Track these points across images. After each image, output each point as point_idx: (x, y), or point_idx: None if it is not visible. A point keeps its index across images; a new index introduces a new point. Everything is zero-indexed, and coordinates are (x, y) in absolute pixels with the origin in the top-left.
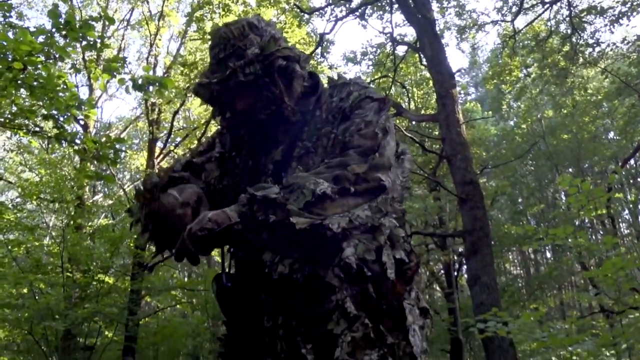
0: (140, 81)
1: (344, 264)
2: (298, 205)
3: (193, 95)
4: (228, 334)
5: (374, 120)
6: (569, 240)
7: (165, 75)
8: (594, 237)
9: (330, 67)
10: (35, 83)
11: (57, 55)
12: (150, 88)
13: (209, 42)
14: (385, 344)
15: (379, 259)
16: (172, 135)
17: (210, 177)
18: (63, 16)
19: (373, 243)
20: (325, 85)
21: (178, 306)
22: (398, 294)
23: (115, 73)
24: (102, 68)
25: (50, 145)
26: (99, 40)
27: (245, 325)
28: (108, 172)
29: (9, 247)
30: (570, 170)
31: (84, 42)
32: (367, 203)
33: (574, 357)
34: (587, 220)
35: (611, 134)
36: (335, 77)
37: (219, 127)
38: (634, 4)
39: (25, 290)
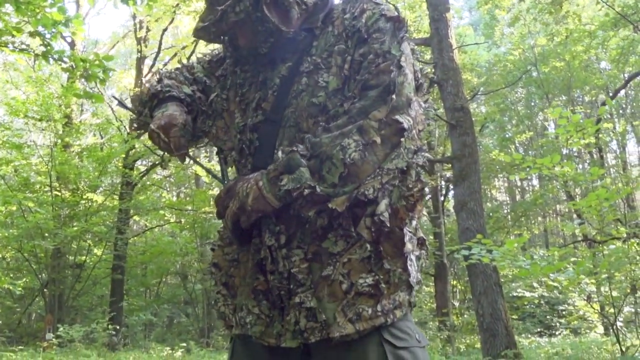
0: None
1: (378, 219)
2: (332, 179)
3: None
4: (222, 244)
5: (390, 48)
6: (556, 169)
7: None
8: (581, 166)
9: None
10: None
11: None
12: (139, 2)
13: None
14: (382, 269)
15: None
16: (160, 54)
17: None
18: None
19: (403, 183)
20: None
21: (166, 226)
22: (400, 219)
23: None
24: None
25: (36, 62)
26: None
27: (244, 239)
28: (96, 91)
29: None
30: (561, 98)
31: None
32: (394, 149)
33: (555, 284)
34: (575, 150)
35: (603, 64)
36: None
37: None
38: None
39: (14, 208)
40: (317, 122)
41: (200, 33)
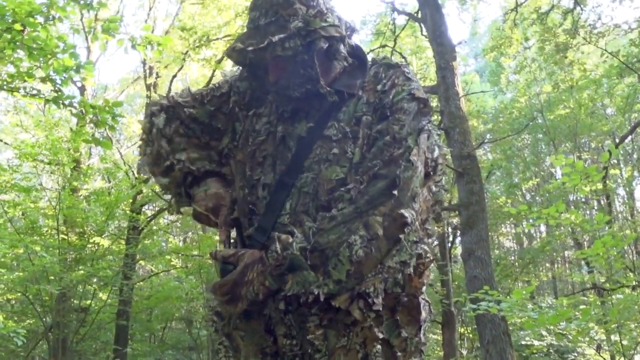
0: (139, 41)
1: (372, 302)
2: (339, 276)
3: (227, 57)
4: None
5: (407, 137)
6: (562, 218)
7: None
8: (588, 212)
9: None
10: (34, 45)
11: (57, 16)
12: (149, 49)
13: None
14: (398, 337)
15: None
16: None
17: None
18: None
19: (401, 272)
20: (369, 62)
21: (172, 271)
22: (415, 287)
23: (114, 33)
24: (100, 28)
25: (47, 107)
26: (97, 0)
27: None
28: (105, 136)
29: (5, 208)
30: (567, 145)
31: (82, 1)
32: (396, 244)
33: (564, 332)
34: (582, 196)
35: (609, 110)
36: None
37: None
38: None
39: (20, 251)
40: (333, 197)
41: (236, 54)
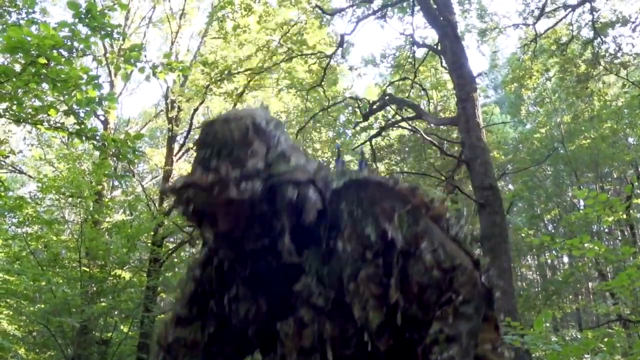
0: (160, 68)
1: None
2: None
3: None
4: None
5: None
6: (586, 249)
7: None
8: (612, 243)
9: (350, 69)
10: (57, 78)
11: (80, 47)
12: (170, 76)
13: (198, 133)
14: None
15: None
16: (191, 133)
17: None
18: (83, 6)
19: None
20: (334, 188)
21: None
22: None
23: (135, 62)
24: (122, 58)
25: (70, 140)
26: (117, 30)
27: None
28: (127, 169)
29: (28, 240)
30: (588, 175)
31: (103, 32)
32: None
33: None
34: (605, 227)
35: (631, 139)
36: (345, 172)
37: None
38: None
39: (43, 283)
40: None
41: (176, 194)
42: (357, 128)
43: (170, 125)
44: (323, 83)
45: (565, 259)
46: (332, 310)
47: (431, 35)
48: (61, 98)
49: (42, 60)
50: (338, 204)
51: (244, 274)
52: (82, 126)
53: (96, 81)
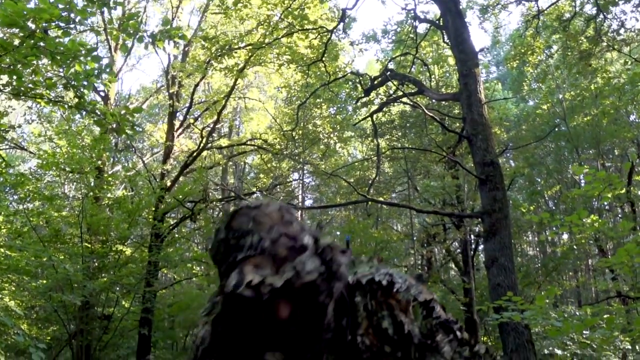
0: (158, 37)
1: None
2: None
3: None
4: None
5: None
6: (584, 225)
7: (186, 49)
8: (612, 220)
9: (352, 44)
10: (55, 50)
11: (77, 19)
12: (169, 44)
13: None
14: None
15: None
16: (192, 108)
17: None
18: None
19: None
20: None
21: (194, 279)
22: None
23: (134, 32)
24: (119, 27)
25: (68, 114)
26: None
27: None
28: (128, 145)
29: (29, 216)
30: (590, 152)
31: (99, 1)
32: None
33: (588, 342)
34: (606, 204)
35: (632, 117)
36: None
37: None
38: None
39: (44, 259)
40: None
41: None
42: (359, 103)
43: (171, 101)
44: (324, 58)
45: (565, 235)
46: None
47: (433, 10)
48: (60, 73)
49: (40, 34)
50: (353, 296)
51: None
52: (82, 99)
53: (95, 53)
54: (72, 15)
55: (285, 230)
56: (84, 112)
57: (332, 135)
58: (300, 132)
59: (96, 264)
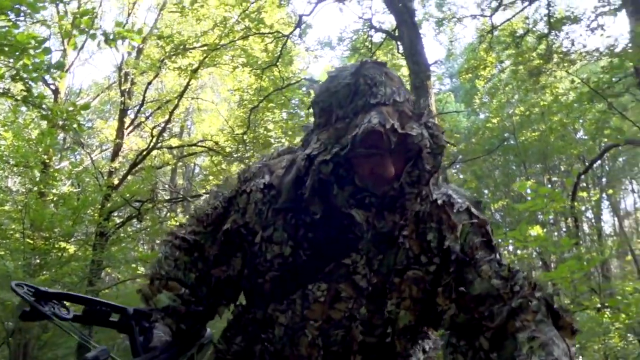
0: (112, 36)
1: None
2: None
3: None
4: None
5: (500, 271)
6: (527, 239)
7: (142, 46)
8: (556, 233)
9: (307, 50)
10: (4, 42)
11: (27, 11)
12: (122, 44)
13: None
14: None
15: None
16: (143, 107)
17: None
18: None
19: None
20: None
21: (139, 280)
22: None
23: (87, 29)
24: (71, 22)
25: (14, 105)
26: None
27: None
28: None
29: None
30: (537, 166)
31: None
32: None
33: None
34: (551, 218)
35: (580, 134)
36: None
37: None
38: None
39: None
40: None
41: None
42: (311, 110)
43: (123, 98)
44: (279, 63)
45: (510, 248)
46: (370, 294)
47: (389, 21)
48: (9, 63)
49: None
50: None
51: (293, 222)
52: (29, 92)
53: (45, 45)
54: (23, 7)
55: (408, 95)
56: (32, 106)
57: (283, 140)
58: (252, 135)
59: (38, 261)
